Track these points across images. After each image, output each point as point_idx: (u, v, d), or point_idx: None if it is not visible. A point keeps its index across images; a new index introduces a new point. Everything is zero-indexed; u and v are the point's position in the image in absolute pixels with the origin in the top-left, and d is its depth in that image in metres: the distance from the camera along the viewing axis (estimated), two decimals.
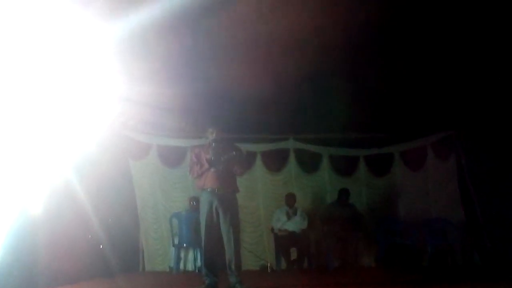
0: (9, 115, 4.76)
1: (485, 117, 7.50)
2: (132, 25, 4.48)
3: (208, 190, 5.39)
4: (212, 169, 5.35)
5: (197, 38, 5.50)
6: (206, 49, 5.77)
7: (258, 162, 8.94)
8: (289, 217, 8.30)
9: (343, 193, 8.60)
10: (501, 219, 7.66)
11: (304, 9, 5.06)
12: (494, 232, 7.92)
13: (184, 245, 8.15)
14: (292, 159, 9.07)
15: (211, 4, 4.75)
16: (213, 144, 5.41)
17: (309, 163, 9.16)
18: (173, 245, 8.15)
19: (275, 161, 9.06)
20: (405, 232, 8.45)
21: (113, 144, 6.88)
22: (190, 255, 8.27)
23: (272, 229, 8.49)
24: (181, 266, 8.23)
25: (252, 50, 5.76)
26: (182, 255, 8.26)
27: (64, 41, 4.61)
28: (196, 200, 7.99)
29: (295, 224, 8.29)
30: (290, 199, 8.47)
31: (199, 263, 7.67)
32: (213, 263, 5.35)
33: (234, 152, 5.38)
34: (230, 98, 6.81)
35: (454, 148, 8.89)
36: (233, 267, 5.27)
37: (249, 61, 5.85)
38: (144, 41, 5.01)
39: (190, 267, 8.24)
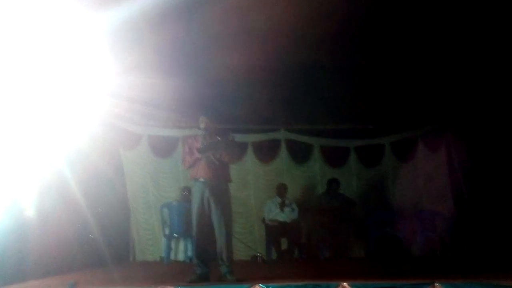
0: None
1: (475, 110, 7.53)
2: (123, 15, 4.45)
3: (201, 180, 5.39)
4: (204, 159, 5.35)
5: (189, 29, 5.48)
6: (198, 39, 5.76)
7: (249, 152, 8.96)
8: (281, 208, 8.32)
9: (333, 183, 8.65)
10: (491, 211, 7.70)
11: (296, 1, 5.06)
12: (483, 224, 7.97)
13: (175, 235, 8.15)
14: (283, 149, 9.10)
15: None
16: (203, 133, 5.42)
17: (300, 154, 9.20)
18: (164, 236, 8.16)
19: (266, 151, 9.08)
20: (395, 223, 8.50)
21: (104, 134, 6.84)
22: (181, 245, 8.28)
23: (263, 220, 8.51)
24: (172, 256, 8.23)
25: (244, 41, 5.74)
26: (173, 245, 8.26)
27: (55, 32, 4.58)
28: (188, 190, 7.98)
29: (286, 215, 8.31)
30: (281, 190, 8.49)
31: (190, 253, 7.69)
32: (204, 253, 5.35)
33: (218, 138, 5.38)
34: (222, 89, 6.80)
35: (445, 140, 8.93)
36: (224, 257, 5.28)
37: (241, 51, 5.84)
38: (135, 31, 4.99)
39: (181, 257, 8.25)
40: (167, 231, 8.14)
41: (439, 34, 5.82)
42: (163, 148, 8.68)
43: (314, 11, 5.10)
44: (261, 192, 8.92)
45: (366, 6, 5.19)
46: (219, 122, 5.73)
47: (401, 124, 8.95)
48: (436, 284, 4.31)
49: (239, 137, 8.45)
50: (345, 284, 4.22)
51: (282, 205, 8.36)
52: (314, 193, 9.06)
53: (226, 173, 5.55)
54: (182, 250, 8.25)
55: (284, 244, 8.41)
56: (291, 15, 5.18)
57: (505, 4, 5.01)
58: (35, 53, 4.69)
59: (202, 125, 5.44)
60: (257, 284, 4.22)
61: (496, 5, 5.12)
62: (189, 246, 7.85)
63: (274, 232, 8.28)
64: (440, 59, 6.32)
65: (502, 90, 6.69)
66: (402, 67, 6.54)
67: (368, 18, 5.44)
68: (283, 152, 9.09)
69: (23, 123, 5.02)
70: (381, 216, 8.67)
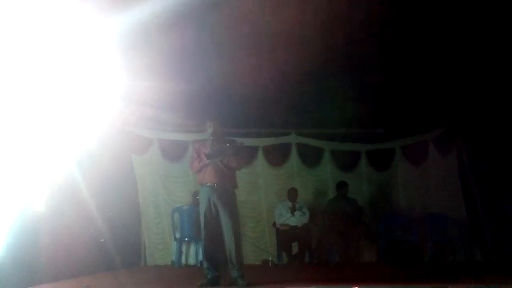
0: (11, 112, 4.77)
1: (486, 112, 7.48)
2: (134, 20, 4.47)
3: (207, 185, 5.42)
4: (211, 165, 5.37)
5: (199, 34, 5.50)
6: (209, 44, 5.77)
7: (260, 156, 8.95)
8: (292, 213, 8.30)
9: (341, 186, 8.59)
10: (502, 215, 7.65)
11: (306, 6, 5.06)
12: (495, 228, 7.92)
13: (186, 239, 8.17)
14: (294, 153, 9.08)
15: (213, 0, 4.75)
16: (211, 138, 5.44)
17: (311, 158, 9.18)
18: (175, 240, 8.17)
19: (277, 155, 9.07)
20: (406, 228, 8.46)
21: (115, 139, 6.88)
22: (192, 249, 8.28)
23: (274, 224, 8.50)
24: (183, 260, 8.25)
25: (255, 45, 5.75)
26: (183, 249, 8.27)
27: (65, 36, 4.61)
28: (198, 194, 8.00)
29: (297, 219, 8.29)
30: (292, 194, 8.47)
31: (200, 257, 7.68)
32: (214, 258, 5.37)
33: (227, 144, 5.39)
34: (233, 93, 6.80)
35: (455, 143, 8.88)
36: (234, 261, 5.28)
37: (251, 56, 5.85)
38: (146, 37, 5.01)
39: (192, 261, 8.26)
40: (177, 235, 8.16)
41: (450, 38, 5.80)
42: (173, 153, 8.70)
43: (324, 15, 5.10)
44: (272, 196, 8.91)
45: (375, 11, 5.18)
46: (228, 127, 5.75)
47: (412, 128, 8.91)
48: None
49: (250, 141, 8.50)
50: None
51: (293, 209, 8.35)
52: (325, 197, 9.03)
53: (233, 179, 5.56)
54: (193, 254, 8.25)
55: (295, 248, 8.39)
56: (301, 20, 5.19)
57: None
58: (46, 58, 4.73)
59: (210, 130, 5.46)
60: None
61: (507, 10, 5.09)
62: (200, 250, 7.82)
63: (285, 236, 8.27)
64: (451, 62, 6.28)
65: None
66: (413, 71, 6.52)
67: (377, 22, 5.43)
68: (294, 156, 9.08)
69: (35, 128, 5.05)
70: (392, 220, 8.63)
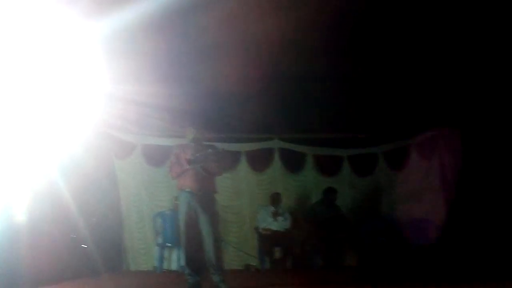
0: None
1: (468, 117, 7.56)
2: (119, 23, 4.46)
3: (187, 190, 5.39)
4: (191, 170, 5.35)
5: (183, 37, 5.50)
6: (193, 48, 5.77)
7: (243, 161, 8.93)
8: (275, 217, 8.31)
9: (331, 192, 8.60)
10: (484, 219, 7.72)
11: (292, 9, 5.08)
12: (477, 232, 7.98)
13: (168, 244, 8.13)
14: (276, 158, 9.07)
15: (198, 3, 4.76)
16: (192, 144, 5.44)
17: (293, 163, 9.17)
18: (157, 245, 8.14)
19: (260, 160, 9.06)
20: (388, 232, 8.50)
21: (97, 143, 6.84)
22: (174, 254, 8.24)
23: (257, 228, 8.50)
24: (165, 265, 8.21)
25: (238, 50, 5.77)
26: (166, 254, 8.23)
27: (50, 39, 4.58)
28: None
29: (279, 224, 8.30)
30: (275, 199, 8.48)
31: (183, 262, 7.66)
32: (195, 263, 5.35)
33: (210, 150, 5.39)
34: (216, 97, 6.81)
35: (437, 148, 8.94)
36: (214, 266, 5.27)
37: (235, 60, 5.86)
38: (130, 40, 5.00)
39: (174, 266, 8.22)
40: (160, 240, 8.12)
41: (434, 43, 5.86)
42: (156, 157, 8.63)
43: (308, 21, 5.13)
44: (255, 201, 8.89)
45: (360, 14, 5.22)
46: (209, 132, 5.74)
47: (394, 133, 8.96)
48: None
49: (232, 146, 8.49)
50: None
51: (275, 214, 8.35)
52: (307, 202, 9.04)
53: (213, 184, 5.54)
54: (175, 260, 8.21)
55: (278, 253, 8.39)
56: (286, 25, 5.21)
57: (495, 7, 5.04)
58: (30, 61, 4.69)
59: (190, 136, 5.45)
60: None
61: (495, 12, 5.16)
62: (182, 255, 7.81)
63: (267, 241, 8.27)
64: (433, 67, 6.35)
65: (493, 98, 6.73)
66: (395, 76, 6.58)
67: (361, 27, 5.47)
68: (277, 161, 9.07)
69: (16, 131, 5.01)
70: (374, 225, 8.66)
